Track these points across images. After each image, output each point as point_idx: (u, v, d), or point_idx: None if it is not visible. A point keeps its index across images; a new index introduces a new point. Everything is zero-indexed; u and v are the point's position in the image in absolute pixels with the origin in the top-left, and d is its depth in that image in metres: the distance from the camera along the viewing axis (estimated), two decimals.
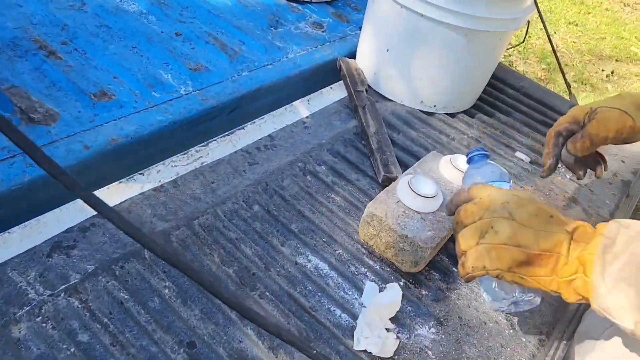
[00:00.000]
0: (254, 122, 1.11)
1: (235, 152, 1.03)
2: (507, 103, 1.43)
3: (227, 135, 1.06)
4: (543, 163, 0.96)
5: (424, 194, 0.89)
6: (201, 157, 1.00)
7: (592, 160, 0.96)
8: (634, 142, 0.95)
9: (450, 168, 0.98)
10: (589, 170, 0.99)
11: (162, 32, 1.23)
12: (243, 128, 1.09)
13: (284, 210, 0.94)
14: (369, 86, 1.33)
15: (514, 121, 1.36)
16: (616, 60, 3.84)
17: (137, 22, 1.23)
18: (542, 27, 1.48)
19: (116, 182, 0.89)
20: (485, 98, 1.42)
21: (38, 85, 0.99)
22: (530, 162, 1.24)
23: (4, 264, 0.74)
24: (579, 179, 0.98)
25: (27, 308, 0.69)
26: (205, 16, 1.33)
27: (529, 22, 1.34)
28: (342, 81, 1.31)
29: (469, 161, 0.89)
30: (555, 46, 1.47)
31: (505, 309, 0.81)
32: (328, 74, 1.33)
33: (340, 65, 1.33)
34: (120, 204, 0.86)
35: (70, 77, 1.03)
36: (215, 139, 1.04)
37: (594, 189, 1.20)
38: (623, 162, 1.33)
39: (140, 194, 0.89)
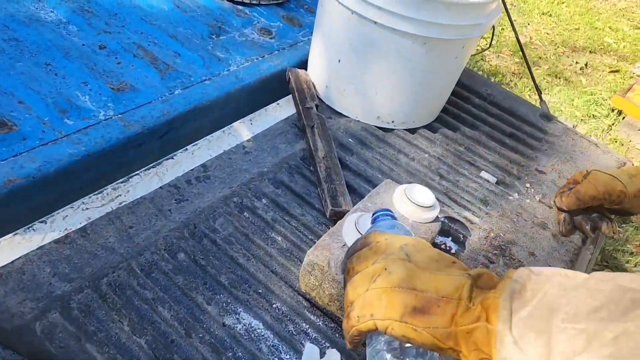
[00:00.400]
0: (186, 150, 0.98)
1: (161, 187, 0.90)
2: (473, 114, 1.32)
3: (153, 167, 0.93)
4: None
5: None
6: (119, 195, 0.87)
7: (599, 219, 0.98)
8: (631, 211, 0.98)
9: (405, 201, 0.87)
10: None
11: (83, 44, 1.08)
12: (172, 157, 0.96)
13: (213, 258, 0.81)
14: (321, 100, 1.21)
15: (480, 134, 1.26)
16: (590, 52, 3.78)
17: (53, 34, 1.08)
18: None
19: (10, 235, 0.76)
20: (449, 109, 1.30)
21: None
22: (497, 182, 1.13)
23: None
24: (587, 236, 0.99)
25: None
26: (136, 24, 1.19)
27: (494, 27, 1.23)
28: (291, 95, 1.19)
29: (373, 221, 0.75)
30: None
31: None
32: (276, 87, 1.21)
33: (289, 77, 1.20)
34: (10, 263, 0.72)
35: None
36: (138, 172, 0.91)
37: None
38: None
39: (39, 248, 0.75)
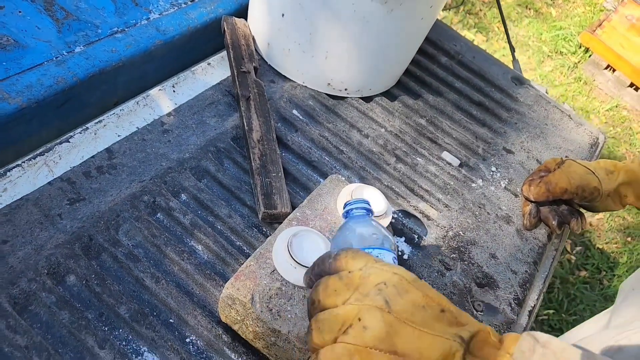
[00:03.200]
0: (86, 130, 0.79)
1: (50, 183, 0.72)
2: (439, 77, 1.15)
3: (41, 154, 0.74)
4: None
5: (310, 264, 0.63)
6: None
7: (569, 213, 0.92)
8: (599, 209, 0.92)
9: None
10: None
11: None
12: (68, 140, 0.77)
13: (112, 281, 0.66)
14: (263, 60, 1.02)
15: (445, 103, 1.10)
16: None
17: None
18: None
19: None
20: (412, 71, 1.13)
21: None
22: (460, 165, 1.00)
23: None
24: (552, 232, 0.94)
25: None
26: None
27: None
28: (226, 52, 0.99)
29: (345, 215, 0.67)
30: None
31: None
32: (208, 41, 1.00)
33: (224, 29, 0.99)
34: None
35: None
36: (19, 162, 0.73)
37: None
38: None
39: None
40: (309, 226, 0.70)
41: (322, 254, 0.55)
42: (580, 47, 3.24)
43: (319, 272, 0.53)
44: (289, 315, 0.61)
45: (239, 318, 0.64)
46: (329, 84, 0.99)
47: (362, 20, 0.87)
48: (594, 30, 3.03)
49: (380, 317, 0.45)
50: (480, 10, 3.27)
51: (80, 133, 0.78)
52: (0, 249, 0.64)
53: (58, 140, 0.76)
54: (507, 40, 1.26)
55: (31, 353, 0.57)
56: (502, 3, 3.23)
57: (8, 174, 0.71)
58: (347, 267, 0.51)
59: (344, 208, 0.67)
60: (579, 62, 3.26)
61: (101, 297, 0.64)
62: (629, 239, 2.42)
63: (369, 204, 0.66)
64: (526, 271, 0.88)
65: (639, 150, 2.85)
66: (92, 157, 0.76)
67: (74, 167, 0.75)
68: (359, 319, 0.46)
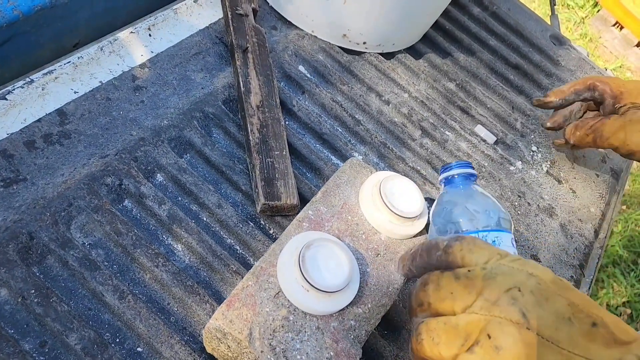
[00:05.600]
0: (31, 83, 0.60)
1: None
2: (471, 32, 0.96)
3: None
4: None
5: (328, 286, 0.47)
6: None
7: None
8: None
9: (379, 206, 0.55)
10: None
11: None
12: (5, 97, 0.58)
13: (60, 297, 0.49)
14: (264, 0, 0.81)
15: (479, 65, 0.92)
16: None
17: None
18: None
19: None
20: (440, 23, 0.94)
21: None
22: (496, 142, 0.83)
23: None
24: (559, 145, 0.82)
25: None
26: None
27: None
28: None
29: (445, 182, 0.58)
30: None
31: None
32: None
33: None
34: None
35: None
36: None
37: (576, 189, 0.83)
38: None
39: None
40: (323, 229, 0.54)
41: (425, 241, 0.47)
42: (588, 0, 3.04)
43: (422, 264, 0.45)
44: (298, 356, 0.46)
45: (230, 355, 0.48)
46: (344, 35, 0.80)
47: None
48: None
49: (517, 335, 0.36)
50: None
51: (23, 87, 0.59)
52: None
53: None
54: None
55: None
56: None
57: None
58: (463, 262, 0.42)
59: (441, 173, 0.59)
60: (586, 17, 3.07)
61: (43, 322, 0.47)
62: (624, 207, 2.32)
63: (471, 167, 0.57)
64: (572, 277, 0.74)
65: None
66: (38, 120, 0.57)
67: (12, 134, 0.56)
68: (489, 336, 0.37)
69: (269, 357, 0.45)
